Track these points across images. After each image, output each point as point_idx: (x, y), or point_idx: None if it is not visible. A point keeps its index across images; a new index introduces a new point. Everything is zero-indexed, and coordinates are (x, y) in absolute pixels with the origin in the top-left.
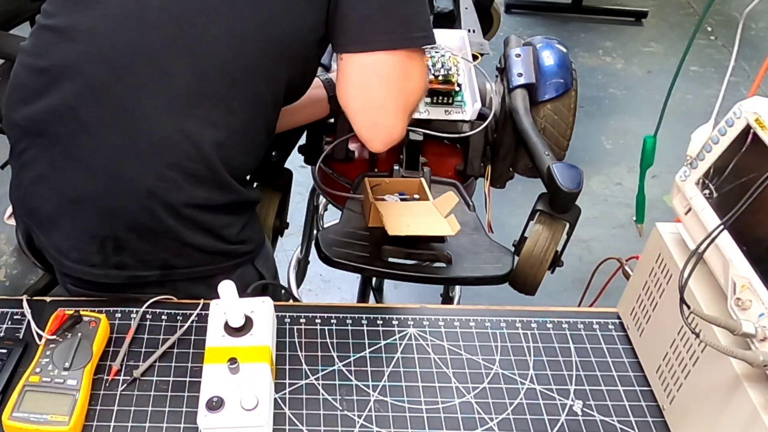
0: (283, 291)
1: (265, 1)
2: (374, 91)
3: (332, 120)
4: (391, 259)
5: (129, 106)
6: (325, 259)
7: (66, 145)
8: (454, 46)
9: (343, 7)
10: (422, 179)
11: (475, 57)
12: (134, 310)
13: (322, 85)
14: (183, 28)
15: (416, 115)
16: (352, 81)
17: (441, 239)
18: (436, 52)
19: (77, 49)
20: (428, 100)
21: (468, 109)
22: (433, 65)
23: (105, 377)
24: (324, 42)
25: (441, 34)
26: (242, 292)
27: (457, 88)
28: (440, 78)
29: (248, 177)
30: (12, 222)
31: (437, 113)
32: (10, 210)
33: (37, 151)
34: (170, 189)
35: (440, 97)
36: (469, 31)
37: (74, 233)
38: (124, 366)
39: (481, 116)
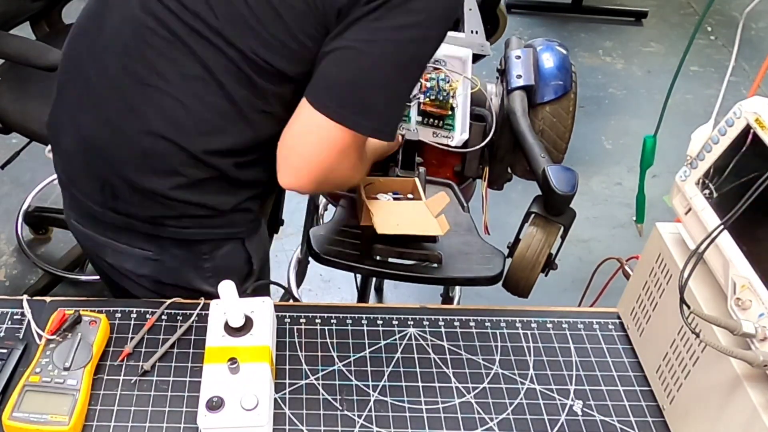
0: (283, 291)
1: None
2: (306, 143)
3: None
4: (383, 258)
5: (144, 73)
6: (316, 257)
7: (91, 87)
8: (456, 60)
9: (324, 65)
10: (416, 179)
11: (476, 58)
12: (134, 309)
13: None
14: (190, 22)
15: (405, 134)
16: (294, 125)
17: (432, 239)
18: (437, 71)
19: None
20: (419, 119)
21: (456, 135)
22: (431, 87)
23: (105, 377)
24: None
25: (445, 48)
26: (226, 268)
27: (450, 112)
28: (436, 102)
29: (245, 160)
30: (51, 156)
31: (425, 134)
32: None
33: (72, 84)
34: (162, 155)
35: (431, 119)
36: (471, 32)
37: (84, 170)
38: (125, 366)
39: (480, 118)
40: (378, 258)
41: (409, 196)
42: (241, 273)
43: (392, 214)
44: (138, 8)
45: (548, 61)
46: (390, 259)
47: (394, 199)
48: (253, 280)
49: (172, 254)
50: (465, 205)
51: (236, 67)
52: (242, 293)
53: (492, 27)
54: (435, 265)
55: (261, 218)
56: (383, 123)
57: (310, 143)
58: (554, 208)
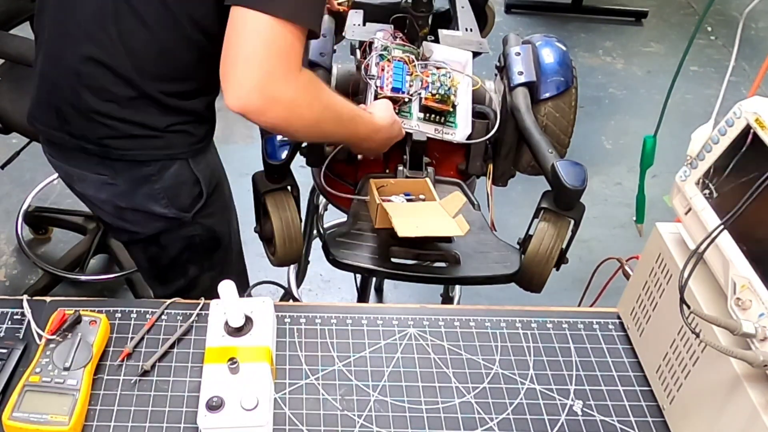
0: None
1: None
2: (240, 44)
3: None
4: (398, 260)
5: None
6: (333, 261)
7: (43, 29)
8: (457, 63)
9: None
10: (427, 179)
11: (474, 55)
12: (134, 309)
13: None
14: None
15: (406, 129)
16: (229, 29)
17: (449, 239)
18: (438, 69)
19: None
20: (421, 115)
21: (459, 131)
22: (432, 82)
23: (105, 377)
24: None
25: (447, 52)
26: (176, 189)
27: (452, 109)
28: (437, 96)
29: (172, 88)
30: None
31: (427, 129)
32: None
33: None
34: (93, 75)
35: (434, 115)
36: (466, 29)
37: (43, 103)
38: (125, 366)
39: (483, 116)
40: (395, 260)
41: (421, 196)
42: (192, 194)
43: (410, 217)
44: None
45: (548, 57)
46: (406, 261)
47: (407, 200)
48: (203, 202)
49: (124, 177)
50: (476, 203)
51: None
52: (197, 213)
53: (481, 24)
54: (452, 265)
55: (208, 142)
56: (299, 5)
57: (244, 42)
58: (564, 203)
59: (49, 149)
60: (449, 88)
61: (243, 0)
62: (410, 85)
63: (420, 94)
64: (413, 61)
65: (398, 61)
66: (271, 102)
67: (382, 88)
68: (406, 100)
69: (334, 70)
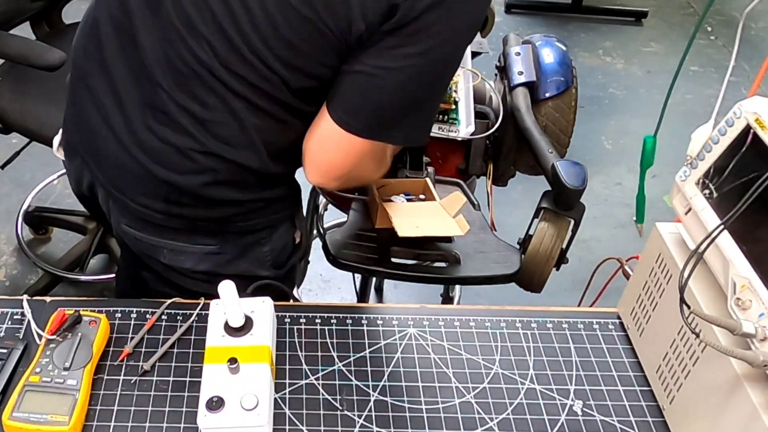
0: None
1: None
2: (330, 153)
3: None
4: (398, 260)
5: (185, 102)
6: (334, 261)
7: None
8: None
9: (345, 88)
10: (427, 179)
11: (473, 55)
12: (134, 309)
13: None
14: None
15: None
16: (319, 131)
17: (449, 239)
18: None
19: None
20: None
21: (461, 128)
22: None
23: (105, 377)
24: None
25: None
26: (281, 247)
27: (453, 106)
28: None
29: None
30: (60, 155)
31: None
32: (57, 140)
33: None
34: (227, 172)
35: (437, 114)
36: None
37: (142, 182)
38: (125, 366)
39: (482, 115)
40: (395, 260)
41: (421, 196)
42: (287, 250)
43: (411, 217)
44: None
45: (548, 57)
46: (406, 261)
47: (407, 200)
48: (302, 252)
49: (235, 244)
50: (476, 203)
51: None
52: (289, 267)
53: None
54: (453, 264)
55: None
56: (413, 132)
57: (334, 151)
58: (564, 203)
59: (131, 221)
60: (449, 87)
61: (356, 129)
62: None
63: None
64: None
65: None
66: (350, 182)
67: None
68: None
69: None
